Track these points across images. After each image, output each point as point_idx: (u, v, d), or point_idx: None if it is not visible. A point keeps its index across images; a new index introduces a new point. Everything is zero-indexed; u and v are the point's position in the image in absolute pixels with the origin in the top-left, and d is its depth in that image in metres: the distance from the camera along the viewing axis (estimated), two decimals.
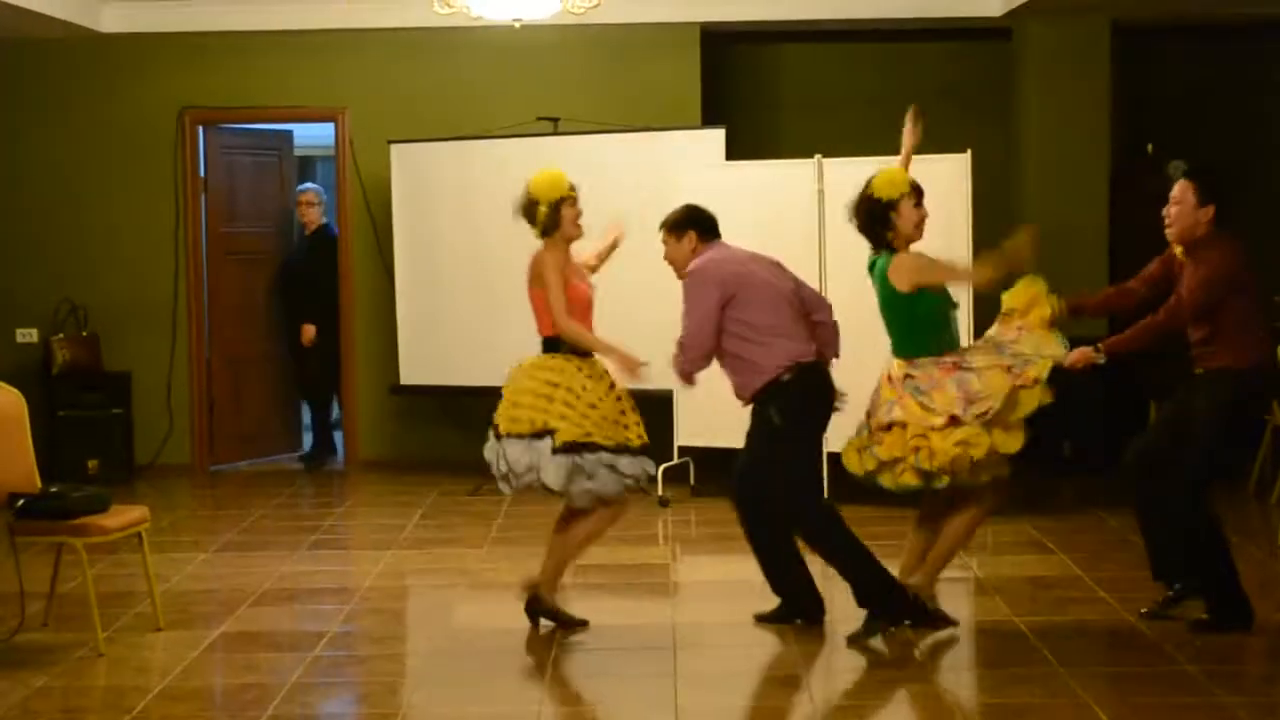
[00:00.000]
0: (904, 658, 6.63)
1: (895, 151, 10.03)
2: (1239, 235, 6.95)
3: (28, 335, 11.74)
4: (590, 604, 7.48)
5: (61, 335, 11.49)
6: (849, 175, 9.75)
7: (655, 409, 10.45)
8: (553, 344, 7.04)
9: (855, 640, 6.80)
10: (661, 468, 10.20)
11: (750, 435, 7.17)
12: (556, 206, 7.09)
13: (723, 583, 8.15)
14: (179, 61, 11.79)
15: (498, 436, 6.90)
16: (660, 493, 10.12)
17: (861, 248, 9.70)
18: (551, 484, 6.80)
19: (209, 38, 11.71)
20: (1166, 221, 6.94)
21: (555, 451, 6.79)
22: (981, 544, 8.61)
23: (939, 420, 6.61)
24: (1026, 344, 6.81)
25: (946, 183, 9.56)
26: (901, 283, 6.82)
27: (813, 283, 9.78)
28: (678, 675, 6.43)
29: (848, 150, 10.15)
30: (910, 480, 6.70)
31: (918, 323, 6.84)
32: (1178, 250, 6.96)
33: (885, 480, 6.76)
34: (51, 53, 11.65)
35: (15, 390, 7.24)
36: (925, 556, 7.02)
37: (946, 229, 9.39)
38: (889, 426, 6.72)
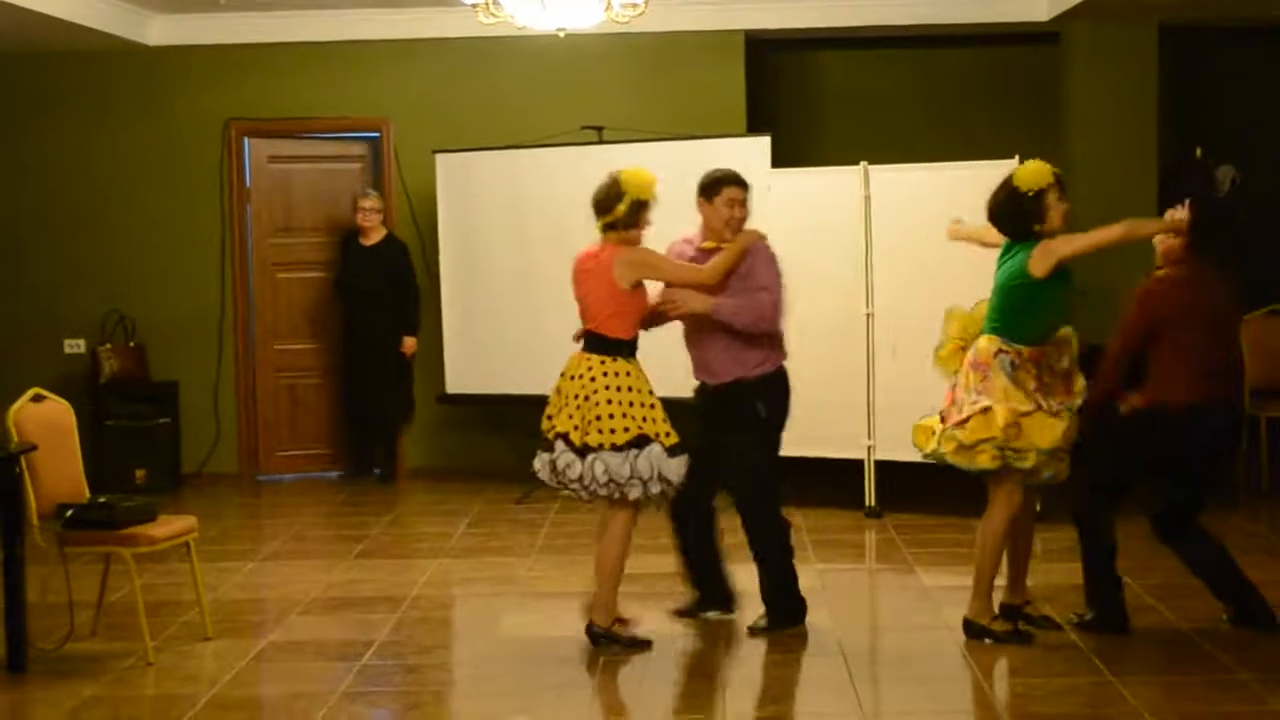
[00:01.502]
0: (956, 667, 6.59)
1: (941, 157, 10.07)
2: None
3: (75, 346, 11.80)
4: (632, 612, 7.44)
5: (109, 345, 11.54)
6: (895, 182, 9.81)
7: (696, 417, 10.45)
8: (620, 346, 6.94)
9: (756, 632, 7.04)
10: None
11: (719, 425, 7.12)
12: (639, 207, 7.01)
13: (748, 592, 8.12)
14: (225, 73, 11.84)
15: (584, 450, 6.77)
16: None
17: (908, 252, 9.70)
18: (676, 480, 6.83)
19: (254, 50, 11.76)
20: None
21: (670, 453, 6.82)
22: (1031, 551, 8.56)
23: (1027, 406, 6.64)
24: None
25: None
26: (1039, 268, 6.75)
27: (859, 289, 9.81)
28: (725, 683, 6.41)
29: (893, 157, 10.14)
30: (987, 463, 6.67)
31: (1034, 307, 6.81)
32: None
33: (961, 460, 6.72)
34: (99, 66, 11.72)
35: (64, 401, 7.29)
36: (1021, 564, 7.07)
37: (994, 236, 9.33)
38: (981, 411, 6.67)
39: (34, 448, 6.85)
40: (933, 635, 7.08)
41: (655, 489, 6.80)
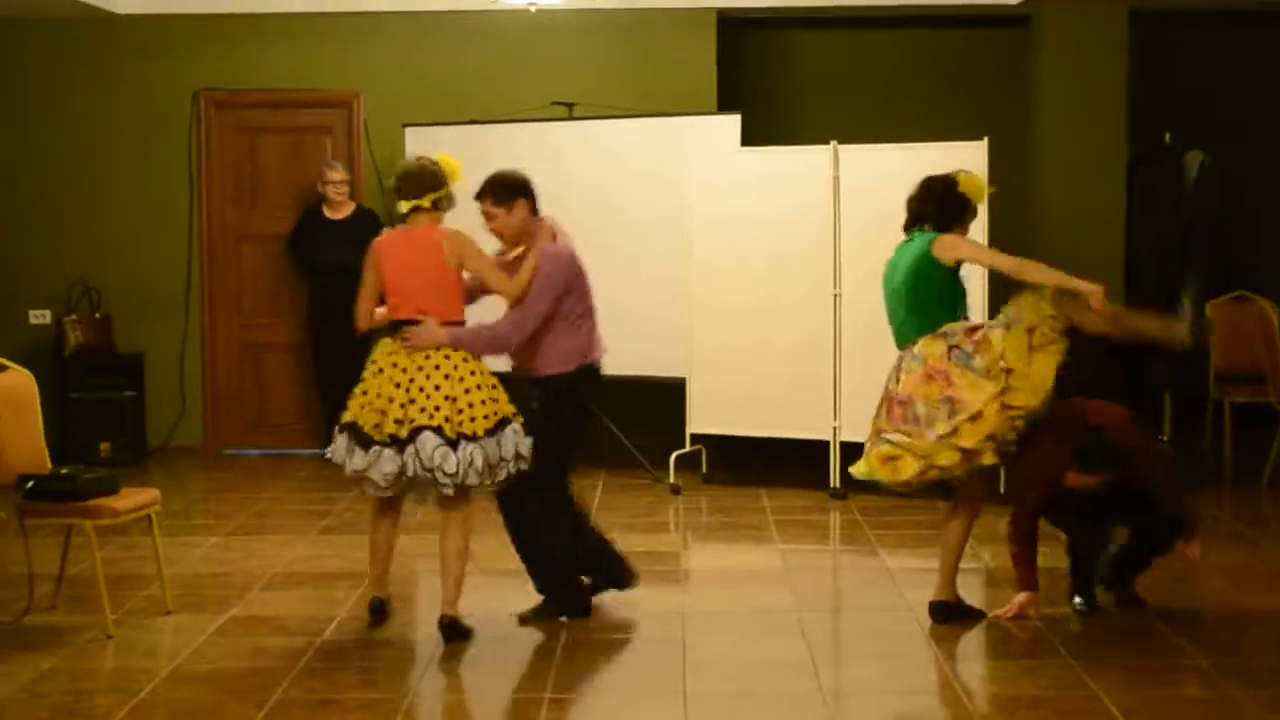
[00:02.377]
0: (915, 647, 6.61)
1: (912, 138, 10.08)
2: None
3: (41, 316, 11.74)
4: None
5: (74, 317, 11.49)
6: (865, 161, 9.82)
7: (668, 395, 10.48)
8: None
9: (528, 621, 7.03)
10: (674, 455, 10.22)
11: (533, 421, 6.94)
12: (450, 198, 6.88)
13: (733, 570, 8.12)
14: (194, 43, 11.78)
15: (458, 440, 6.56)
16: (672, 480, 10.11)
17: (878, 232, 9.69)
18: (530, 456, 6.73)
19: (224, 20, 11.70)
20: None
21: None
22: (994, 535, 8.57)
23: (1000, 382, 6.60)
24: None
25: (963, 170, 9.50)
26: (946, 255, 6.79)
27: (828, 268, 9.81)
28: (686, 662, 6.41)
29: (864, 137, 10.16)
30: (991, 460, 6.69)
31: (947, 297, 6.82)
32: None
33: (963, 468, 6.67)
34: (67, 33, 11.65)
35: (27, 371, 7.24)
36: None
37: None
38: (969, 419, 6.65)
39: None
40: (894, 616, 7.10)
41: (514, 469, 6.70)
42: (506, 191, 6.95)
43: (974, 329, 6.73)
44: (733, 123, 10.57)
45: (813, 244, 9.88)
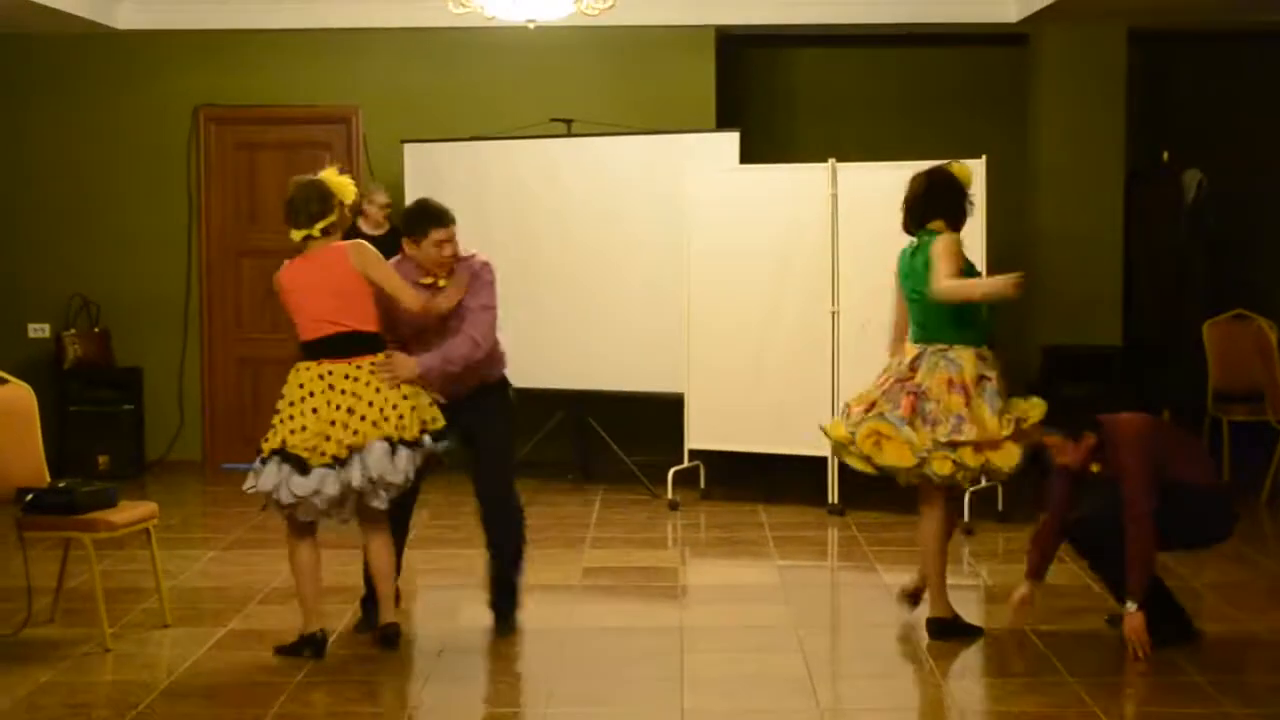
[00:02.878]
0: (913, 664, 6.61)
1: (909, 156, 10.08)
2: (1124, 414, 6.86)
3: (40, 330, 11.75)
4: (598, 605, 7.48)
5: (73, 330, 11.50)
6: (862, 180, 9.83)
7: (666, 411, 10.49)
8: (378, 339, 6.72)
9: (507, 632, 7.06)
10: (672, 471, 10.23)
11: (494, 423, 7.04)
12: (340, 207, 6.78)
13: (731, 586, 8.13)
14: (194, 59, 11.81)
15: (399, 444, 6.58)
16: (670, 496, 10.11)
17: (876, 250, 9.71)
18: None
19: (224, 36, 11.73)
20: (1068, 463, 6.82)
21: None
22: (992, 552, 8.60)
23: (1006, 430, 6.64)
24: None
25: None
26: (939, 255, 6.73)
27: (825, 286, 9.82)
28: (684, 678, 6.41)
29: (862, 154, 10.20)
30: (964, 484, 6.72)
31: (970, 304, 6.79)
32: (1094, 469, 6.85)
33: (945, 474, 6.67)
34: (67, 49, 11.67)
35: (26, 385, 7.25)
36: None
37: (961, 234, 9.36)
38: (974, 448, 6.64)
39: None
40: (892, 633, 7.09)
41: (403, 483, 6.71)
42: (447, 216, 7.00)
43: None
44: (731, 140, 10.59)
45: (811, 261, 9.90)
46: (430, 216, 6.95)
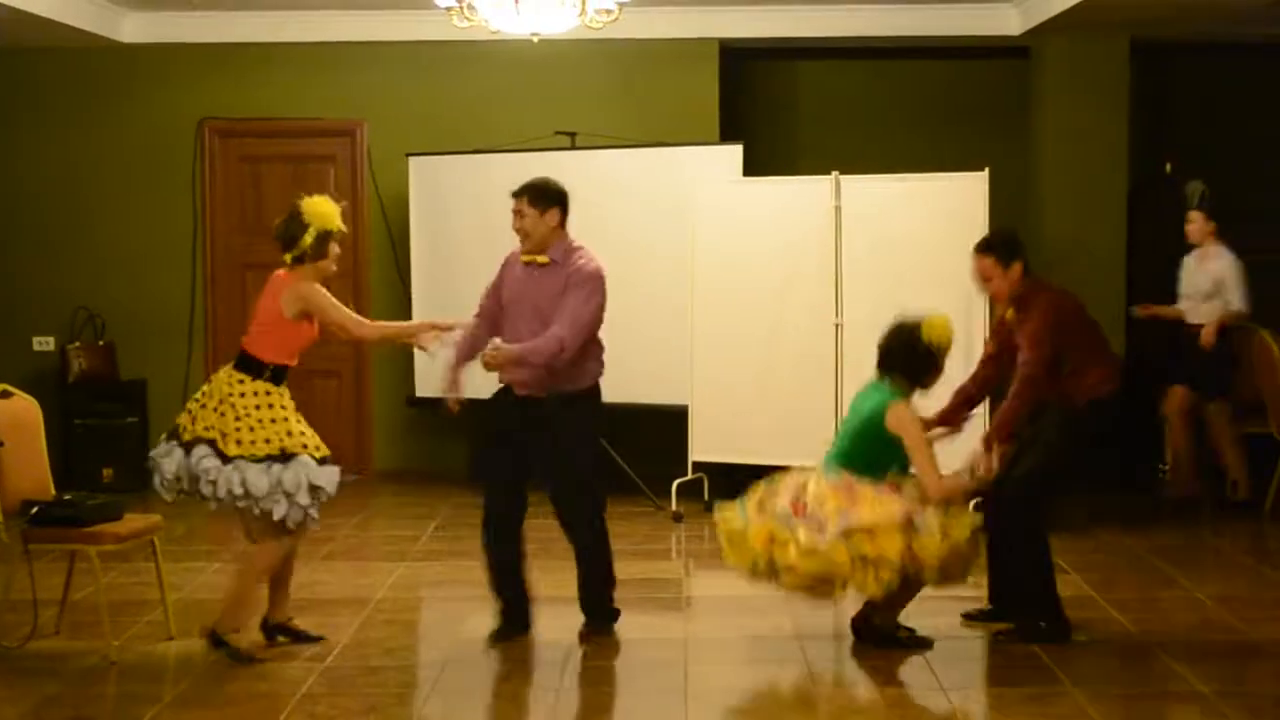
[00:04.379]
0: (918, 677, 6.61)
1: (912, 169, 10.12)
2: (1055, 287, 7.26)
3: (44, 343, 11.77)
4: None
5: (78, 344, 11.52)
6: (866, 192, 9.86)
7: (670, 424, 10.50)
8: (263, 368, 6.87)
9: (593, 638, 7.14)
10: (676, 483, 10.23)
11: (569, 442, 7.04)
12: (325, 238, 6.90)
13: (735, 598, 8.12)
14: (198, 72, 11.83)
15: (223, 457, 6.72)
16: (674, 508, 10.13)
17: (879, 262, 9.74)
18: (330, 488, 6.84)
19: (229, 49, 11.75)
20: (989, 294, 7.22)
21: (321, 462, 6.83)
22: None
23: (897, 517, 6.65)
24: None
25: (964, 200, 9.57)
26: (893, 428, 6.82)
27: (829, 298, 9.84)
28: (688, 690, 6.42)
29: (865, 167, 10.20)
30: (893, 578, 6.65)
31: (894, 454, 6.86)
32: (1008, 315, 7.11)
33: (856, 583, 6.67)
34: (72, 62, 11.70)
35: (31, 398, 7.27)
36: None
37: (965, 246, 9.34)
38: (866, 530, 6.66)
39: (0, 444, 6.83)
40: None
41: (305, 499, 6.77)
42: (544, 197, 7.09)
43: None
44: (734, 153, 10.62)
45: (814, 273, 9.92)
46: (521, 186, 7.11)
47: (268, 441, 6.74)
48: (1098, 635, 7.12)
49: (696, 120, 11.56)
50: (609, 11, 8.77)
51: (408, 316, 11.35)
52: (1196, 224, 10.11)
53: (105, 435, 11.37)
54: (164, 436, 6.94)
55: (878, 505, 6.64)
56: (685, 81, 11.68)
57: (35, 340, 11.78)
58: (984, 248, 7.18)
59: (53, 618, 7.25)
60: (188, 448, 6.77)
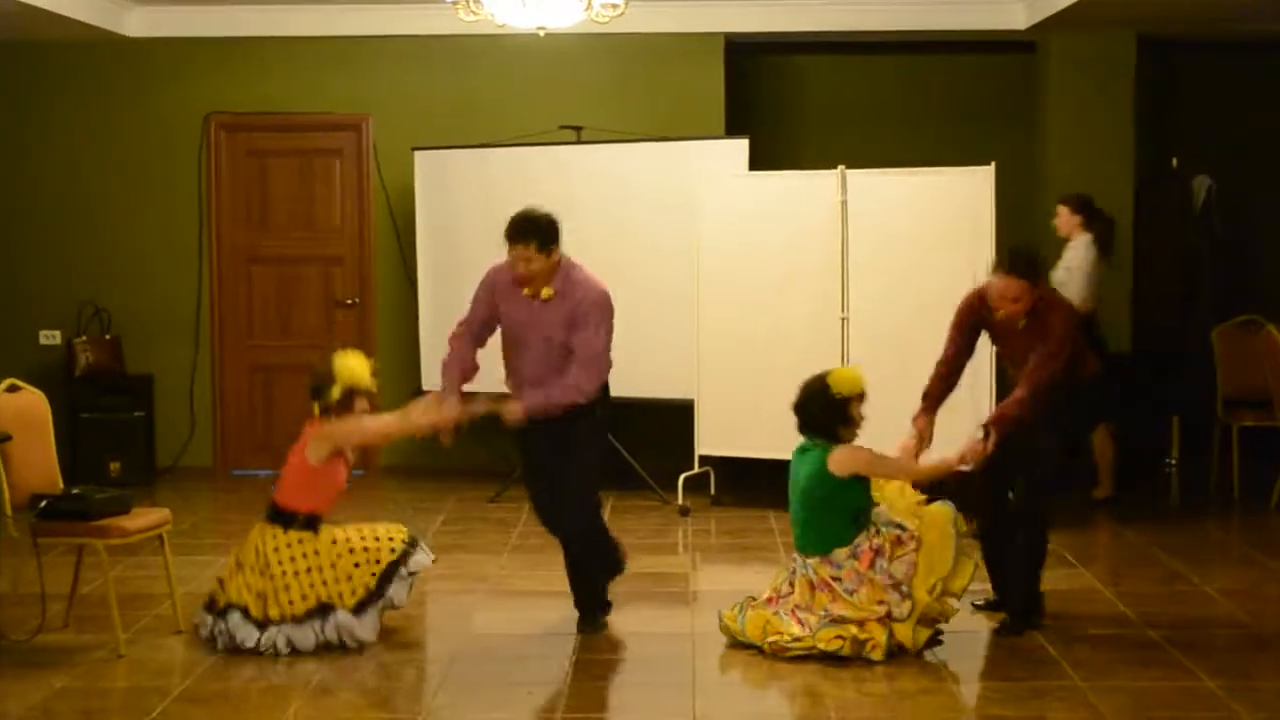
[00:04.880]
0: (925, 670, 6.62)
1: (918, 163, 10.10)
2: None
3: (51, 337, 11.79)
4: (610, 612, 7.48)
5: (84, 338, 11.53)
6: (871, 186, 9.86)
7: (676, 418, 10.51)
8: (295, 519, 7.01)
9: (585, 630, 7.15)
10: (682, 477, 10.24)
11: (578, 448, 7.06)
12: (351, 394, 7.06)
13: (742, 592, 8.11)
14: (204, 66, 11.84)
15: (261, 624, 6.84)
16: (681, 502, 10.13)
17: (884, 257, 9.75)
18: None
19: (234, 43, 11.76)
20: (1004, 312, 7.08)
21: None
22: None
23: (878, 612, 6.73)
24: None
25: (970, 195, 9.56)
26: (840, 468, 6.88)
27: (835, 292, 9.84)
28: (696, 684, 6.43)
29: (871, 161, 10.19)
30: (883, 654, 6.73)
31: (847, 508, 6.90)
32: (1020, 323, 7.09)
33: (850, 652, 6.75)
34: (77, 56, 11.71)
35: (39, 392, 7.29)
36: None
37: (971, 241, 9.40)
38: (833, 621, 6.75)
39: (8, 438, 6.84)
40: None
41: (353, 642, 6.89)
42: (549, 238, 6.96)
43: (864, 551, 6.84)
44: (740, 147, 10.61)
45: (820, 268, 9.92)
46: (507, 228, 7.01)
47: (304, 598, 6.84)
48: (1105, 629, 7.13)
49: (702, 115, 11.55)
50: (615, 6, 8.78)
51: (414, 311, 11.39)
52: (1062, 216, 10.06)
53: (112, 429, 11.38)
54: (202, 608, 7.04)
55: (858, 607, 6.72)
56: (691, 76, 11.68)
57: (42, 334, 11.80)
58: (1017, 271, 7.03)
59: (61, 611, 7.26)
60: (222, 613, 6.90)
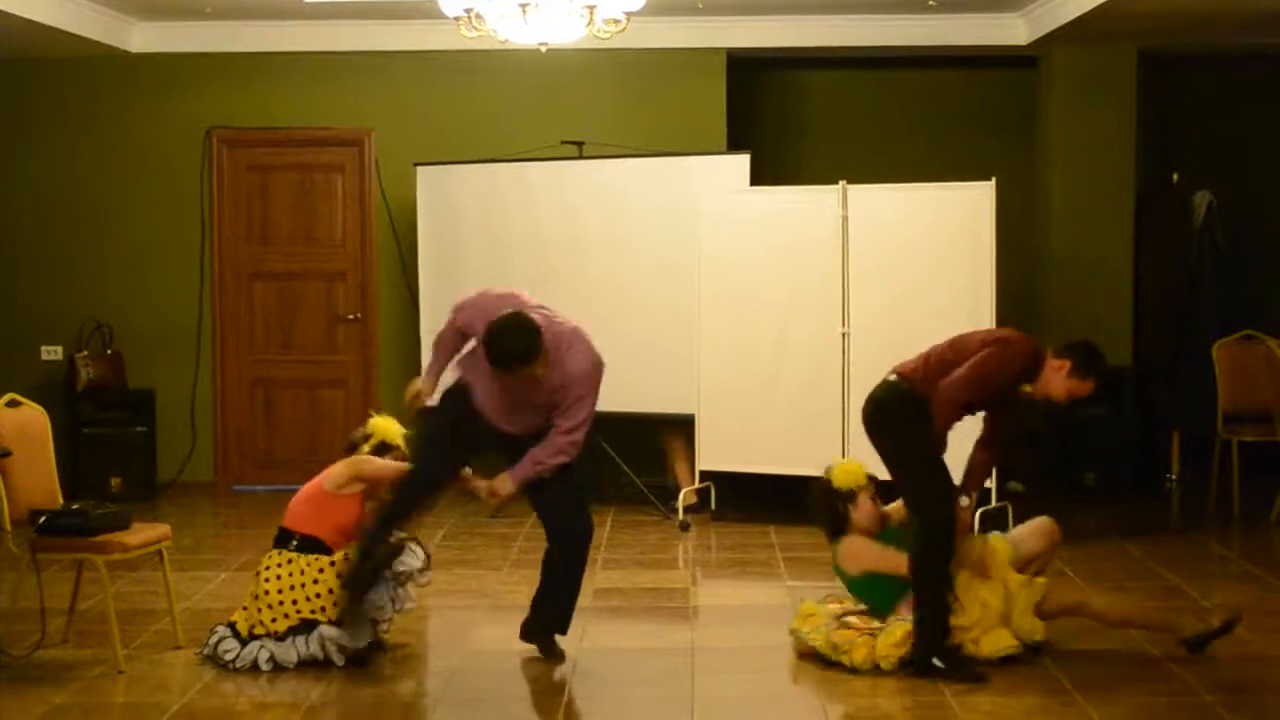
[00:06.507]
0: (925, 684, 6.61)
1: (920, 178, 10.11)
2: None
3: (53, 353, 11.79)
4: (609, 626, 7.49)
5: (86, 353, 11.54)
6: (873, 201, 9.86)
7: (677, 432, 10.50)
8: (287, 536, 7.05)
9: (552, 658, 7.01)
10: (683, 492, 10.24)
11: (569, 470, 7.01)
12: (382, 449, 7.27)
13: (742, 607, 8.14)
14: (206, 82, 11.86)
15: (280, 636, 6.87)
16: (681, 517, 10.13)
17: (886, 272, 9.76)
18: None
19: (237, 59, 11.78)
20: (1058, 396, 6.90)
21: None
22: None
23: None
24: None
25: (971, 210, 9.56)
26: (851, 567, 7.03)
27: (836, 307, 9.84)
28: (695, 699, 6.42)
29: (872, 176, 10.19)
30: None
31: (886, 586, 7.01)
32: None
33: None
34: (80, 72, 11.73)
35: (39, 407, 7.29)
36: None
37: (971, 256, 9.41)
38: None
39: (8, 453, 6.84)
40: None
41: (340, 659, 6.86)
42: (541, 349, 6.70)
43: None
44: (742, 162, 10.62)
45: (821, 283, 9.92)
46: (508, 359, 6.73)
47: (287, 616, 6.85)
48: (1104, 644, 7.12)
49: (704, 130, 11.57)
50: (616, 21, 8.78)
51: (416, 326, 11.37)
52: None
53: (113, 444, 11.39)
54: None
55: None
56: (693, 91, 11.70)
57: (44, 349, 11.81)
58: (1090, 372, 6.80)
59: (61, 627, 7.26)
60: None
